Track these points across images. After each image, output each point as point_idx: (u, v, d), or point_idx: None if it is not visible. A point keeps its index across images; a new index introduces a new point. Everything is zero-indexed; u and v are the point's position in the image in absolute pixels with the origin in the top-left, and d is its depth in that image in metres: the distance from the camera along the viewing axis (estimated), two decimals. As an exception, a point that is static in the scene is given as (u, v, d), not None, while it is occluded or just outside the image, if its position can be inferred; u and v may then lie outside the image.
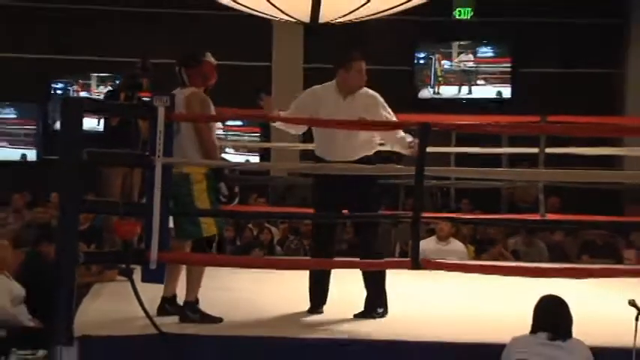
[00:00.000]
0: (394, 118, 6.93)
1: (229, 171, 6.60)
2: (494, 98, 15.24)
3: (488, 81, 15.43)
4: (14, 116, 14.73)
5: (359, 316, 6.69)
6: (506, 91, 15.28)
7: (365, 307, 6.76)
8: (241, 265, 7.89)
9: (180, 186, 6.31)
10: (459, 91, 15.43)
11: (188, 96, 6.42)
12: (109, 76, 14.50)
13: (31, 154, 14.63)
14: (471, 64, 15.46)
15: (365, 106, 6.81)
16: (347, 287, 6.98)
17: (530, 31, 15.25)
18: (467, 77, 15.43)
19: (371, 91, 6.91)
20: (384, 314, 6.74)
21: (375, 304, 6.76)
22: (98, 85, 14.66)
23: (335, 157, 6.75)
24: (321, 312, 6.82)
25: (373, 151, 6.87)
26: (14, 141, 14.72)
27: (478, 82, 15.44)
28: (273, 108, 6.78)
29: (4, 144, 14.67)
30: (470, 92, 15.44)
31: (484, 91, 15.42)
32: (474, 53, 15.51)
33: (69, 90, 14.59)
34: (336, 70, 6.88)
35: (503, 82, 15.38)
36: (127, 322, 6.27)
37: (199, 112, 6.44)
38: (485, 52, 15.47)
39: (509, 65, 15.36)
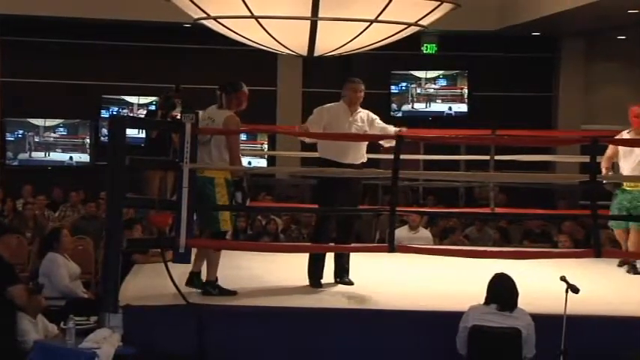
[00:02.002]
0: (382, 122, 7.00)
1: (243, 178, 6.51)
2: (451, 114, 15.19)
3: (448, 101, 15.36)
4: (66, 132, 14.72)
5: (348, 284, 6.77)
6: (462, 108, 15.22)
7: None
8: (252, 249, 7.85)
9: (205, 187, 6.25)
10: (426, 108, 15.35)
11: (227, 118, 6.35)
12: (149, 99, 14.47)
13: (77, 158, 14.60)
14: (434, 88, 15.39)
15: (367, 120, 6.95)
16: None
17: (482, 62, 15.20)
18: (431, 98, 15.37)
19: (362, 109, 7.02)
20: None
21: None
22: (139, 107, 14.59)
23: (347, 160, 6.75)
24: (321, 285, 6.76)
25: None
26: (66, 149, 14.73)
27: (440, 102, 15.37)
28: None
29: (58, 150, 14.68)
30: (432, 110, 15.36)
31: (444, 108, 15.34)
32: (437, 79, 15.44)
33: (117, 110, 14.53)
34: (345, 92, 6.95)
35: (460, 102, 15.32)
36: (160, 295, 6.23)
37: (234, 129, 6.39)
38: (446, 78, 15.41)
39: (465, 89, 15.31)
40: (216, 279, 6.35)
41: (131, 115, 13.78)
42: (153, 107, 12.78)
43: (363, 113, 6.97)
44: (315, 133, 6.78)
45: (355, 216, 6.90)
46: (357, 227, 6.97)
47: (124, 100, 14.70)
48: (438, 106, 15.31)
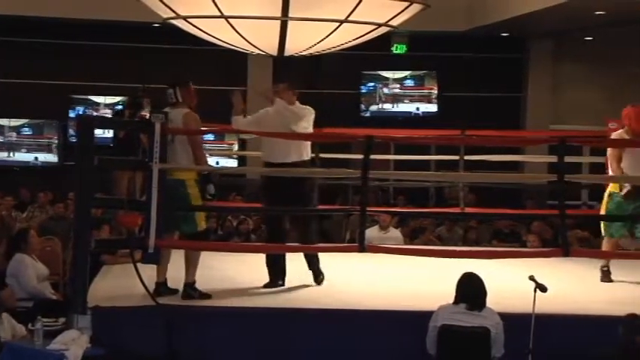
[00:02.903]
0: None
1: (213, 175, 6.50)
2: (419, 114, 15.22)
3: (416, 102, 15.40)
4: (31, 131, 14.58)
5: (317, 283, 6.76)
6: (429, 109, 15.27)
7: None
8: (223, 250, 7.83)
9: (177, 190, 6.22)
10: (394, 108, 15.37)
11: (185, 115, 6.31)
12: (116, 99, 14.37)
13: (42, 158, 14.46)
14: (402, 88, 15.42)
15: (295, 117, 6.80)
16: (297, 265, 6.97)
17: (452, 63, 15.28)
18: (399, 99, 15.40)
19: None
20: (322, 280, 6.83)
21: (318, 273, 6.82)
22: (105, 107, 14.47)
23: (276, 160, 6.71)
24: (282, 285, 6.77)
25: (307, 156, 6.79)
26: (31, 149, 14.58)
27: (408, 102, 15.40)
28: (241, 102, 6.72)
29: (23, 150, 14.53)
30: (400, 110, 15.40)
31: (412, 108, 15.37)
32: (405, 80, 15.48)
33: (83, 110, 14.39)
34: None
35: (427, 102, 15.37)
36: (129, 295, 6.20)
37: (195, 129, 6.37)
38: (414, 78, 15.45)
39: (434, 90, 15.37)
40: (194, 281, 6.34)
41: (96, 115, 13.69)
42: (120, 107, 12.71)
43: (293, 107, 6.80)
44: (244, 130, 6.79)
45: (300, 216, 6.81)
46: (315, 227, 6.91)
47: (90, 100, 14.59)
48: (406, 107, 15.34)
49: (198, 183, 6.30)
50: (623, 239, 10.24)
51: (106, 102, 14.54)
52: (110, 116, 12.53)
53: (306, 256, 6.90)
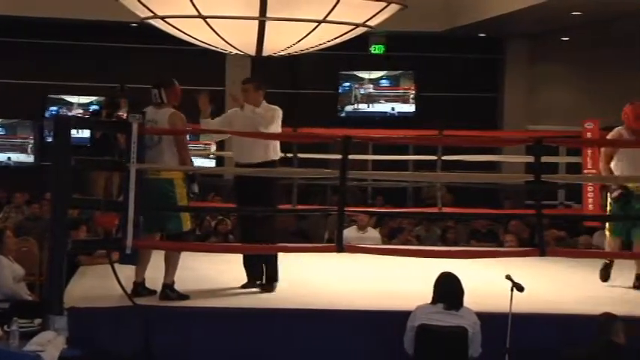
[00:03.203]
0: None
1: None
2: (394, 114, 15.25)
3: (391, 102, 15.43)
4: (4, 131, 14.45)
5: (262, 288, 6.63)
6: (404, 109, 15.30)
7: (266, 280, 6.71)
8: (201, 250, 7.80)
9: (165, 189, 6.21)
10: (368, 108, 15.41)
11: (171, 116, 6.29)
12: (89, 98, 14.32)
13: (15, 158, 14.34)
14: (377, 88, 15.45)
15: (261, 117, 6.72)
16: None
17: (429, 63, 15.33)
18: (377, 99, 15.44)
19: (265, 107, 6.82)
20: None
21: (273, 278, 6.72)
22: (80, 106, 14.38)
23: (242, 160, 6.68)
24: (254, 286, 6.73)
25: (274, 157, 6.73)
26: (4, 149, 14.45)
27: (384, 102, 15.44)
28: (207, 104, 6.68)
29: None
30: (376, 110, 15.44)
31: (387, 108, 15.40)
32: (382, 80, 15.51)
33: (60, 110, 14.30)
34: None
35: (402, 102, 15.42)
36: (106, 296, 6.17)
37: (182, 129, 6.34)
38: (389, 79, 15.49)
39: (410, 90, 15.41)
40: (173, 282, 6.32)
41: (76, 115, 13.61)
42: (94, 107, 12.68)
43: (260, 110, 6.72)
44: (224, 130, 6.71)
45: (261, 217, 6.74)
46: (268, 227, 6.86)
47: (64, 99, 14.50)
48: (382, 107, 15.38)
49: (185, 182, 6.29)
50: (599, 237, 10.36)
51: (79, 102, 14.45)
52: (87, 116, 12.47)
53: (262, 257, 6.79)
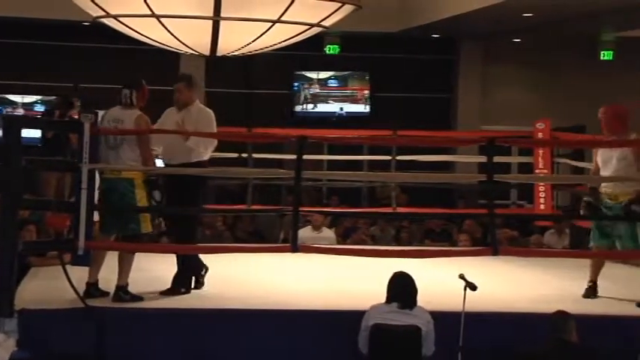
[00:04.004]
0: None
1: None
2: (342, 114, 15.29)
3: (342, 102, 15.47)
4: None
5: (165, 293, 6.48)
6: (353, 109, 15.35)
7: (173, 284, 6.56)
8: (155, 251, 7.72)
9: (125, 189, 6.14)
10: (314, 109, 15.44)
11: (138, 117, 6.25)
12: (38, 98, 14.12)
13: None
14: (327, 88, 15.49)
15: (194, 118, 6.64)
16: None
17: (384, 64, 15.39)
18: (334, 99, 15.46)
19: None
20: (186, 293, 6.54)
21: (182, 283, 6.56)
22: (24, 105, 14.14)
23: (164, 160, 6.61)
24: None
25: (198, 158, 6.60)
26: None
27: (335, 102, 15.48)
28: None
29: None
30: (342, 111, 15.47)
31: (338, 109, 15.44)
32: (331, 80, 15.54)
33: (3, 109, 14.06)
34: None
35: (363, 103, 15.46)
36: (58, 298, 6.09)
37: (143, 129, 6.26)
38: (342, 79, 15.53)
39: (361, 90, 15.47)
40: (127, 284, 6.26)
41: (27, 114, 13.42)
42: (39, 107, 12.51)
43: (192, 112, 6.66)
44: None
45: (184, 216, 6.65)
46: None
47: (7, 99, 14.26)
48: (330, 107, 15.42)
49: (145, 184, 6.23)
50: (550, 236, 10.49)
51: (23, 101, 14.23)
52: (39, 116, 12.30)
53: (178, 257, 6.67)
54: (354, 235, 10.67)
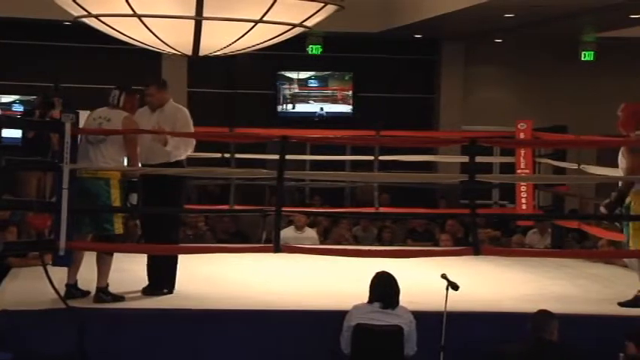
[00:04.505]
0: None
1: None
2: (322, 114, 15.29)
3: (325, 102, 15.49)
4: None
5: (146, 291, 6.44)
6: (334, 109, 15.36)
7: (151, 282, 6.53)
8: (134, 252, 7.69)
9: (102, 188, 6.11)
10: (312, 109, 15.45)
11: (126, 117, 6.23)
12: (16, 97, 14.03)
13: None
14: (306, 88, 15.51)
15: (170, 119, 6.59)
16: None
17: (366, 64, 15.41)
18: (314, 99, 15.48)
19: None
20: (169, 293, 6.50)
21: (163, 284, 6.52)
22: (4, 105, 14.04)
23: (141, 161, 6.52)
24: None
25: (177, 158, 6.56)
26: None
27: (317, 103, 15.49)
28: None
29: None
30: (322, 111, 15.48)
31: (318, 109, 15.46)
32: (323, 80, 15.56)
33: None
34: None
35: (343, 103, 15.48)
36: (39, 299, 6.05)
37: (128, 129, 6.22)
38: (329, 79, 15.54)
39: (347, 91, 15.49)
40: (107, 285, 6.22)
41: (6, 114, 13.31)
42: (17, 106, 12.42)
43: (167, 111, 6.62)
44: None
45: (158, 217, 6.60)
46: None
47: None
48: (310, 107, 15.43)
49: (122, 185, 6.19)
50: (532, 236, 10.53)
51: (1, 100, 14.14)
52: (19, 115, 12.22)
53: (149, 258, 6.64)
54: (334, 232, 10.64)
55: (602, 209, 6.51)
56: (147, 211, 6.57)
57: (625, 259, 8.00)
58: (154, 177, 6.40)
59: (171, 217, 6.76)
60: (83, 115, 6.29)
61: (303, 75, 15.43)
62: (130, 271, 7.11)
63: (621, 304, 6.45)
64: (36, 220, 6.04)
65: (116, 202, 6.19)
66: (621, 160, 6.46)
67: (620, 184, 6.47)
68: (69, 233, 5.85)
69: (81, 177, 6.09)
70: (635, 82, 15.17)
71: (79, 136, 6.10)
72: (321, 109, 15.38)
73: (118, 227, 6.24)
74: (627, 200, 6.39)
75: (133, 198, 6.23)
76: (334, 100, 15.46)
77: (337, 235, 10.57)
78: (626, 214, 6.40)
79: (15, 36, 14.01)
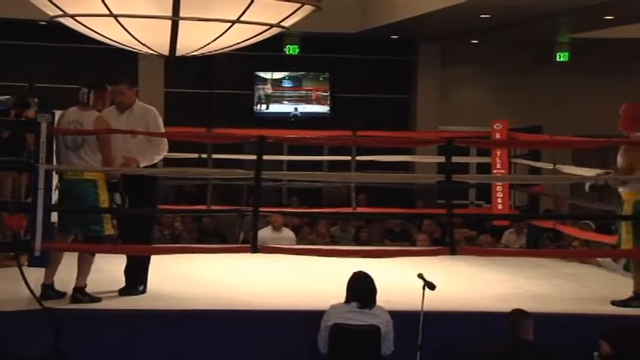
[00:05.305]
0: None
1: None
2: (297, 115, 15.29)
3: (300, 102, 15.50)
4: None
5: (122, 292, 6.43)
6: (312, 109, 15.38)
7: (128, 283, 6.50)
8: (113, 252, 7.66)
9: (88, 189, 6.08)
10: (286, 109, 15.45)
11: (97, 118, 6.16)
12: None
13: None
14: (290, 89, 15.50)
15: (142, 119, 6.55)
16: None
17: (344, 64, 15.43)
18: (288, 99, 15.49)
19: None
20: (143, 291, 6.49)
21: (138, 281, 6.51)
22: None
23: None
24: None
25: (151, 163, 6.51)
26: None
27: (301, 104, 15.50)
28: None
29: None
30: (296, 111, 15.49)
31: (295, 109, 15.47)
32: (297, 80, 15.57)
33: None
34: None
35: (322, 104, 15.48)
36: (14, 299, 6.01)
37: (104, 129, 6.17)
38: (303, 79, 15.55)
39: (321, 91, 15.50)
40: (85, 285, 6.19)
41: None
42: (4, 107, 12.27)
43: (136, 113, 6.56)
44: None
45: (134, 217, 6.55)
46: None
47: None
48: (284, 107, 15.44)
49: (107, 185, 6.17)
50: (509, 236, 10.59)
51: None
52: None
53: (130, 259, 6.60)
54: (303, 232, 10.64)
55: (587, 187, 6.52)
56: (135, 212, 6.51)
57: (599, 259, 8.08)
58: (130, 177, 6.38)
59: (147, 217, 6.74)
60: (58, 115, 6.26)
61: (277, 75, 15.43)
62: (107, 271, 7.07)
63: (614, 303, 6.47)
64: (11, 221, 6.01)
65: (104, 204, 6.16)
66: (619, 159, 6.46)
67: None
68: (45, 234, 5.81)
69: (68, 179, 6.07)
70: (609, 82, 15.31)
71: (58, 142, 6.08)
72: (296, 109, 15.41)
73: (108, 228, 6.20)
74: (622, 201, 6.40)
75: (117, 198, 6.21)
76: (308, 101, 15.48)
77: (305, 233, 10.56)
78: (599, 215, 6.45)
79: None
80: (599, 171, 6.82)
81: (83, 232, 6.23)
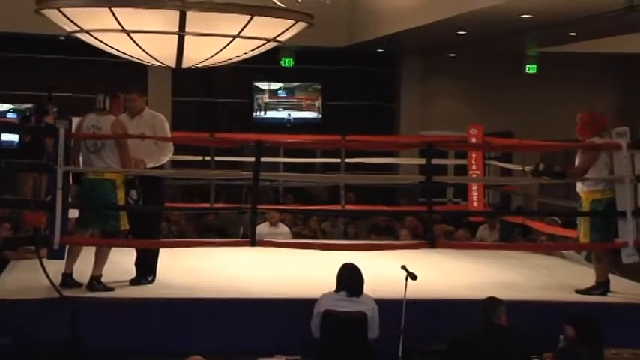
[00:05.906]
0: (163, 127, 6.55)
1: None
2: (290, 120, 15.30)
3: (300, 110, 15.53)
4: None
5: (133, 282, 6.41)
6: (303, 115, 15.41)
7: (138, 274, 6.48)
8: (127, 246, 7.65)
9: (107, 188, 6.07)
10: (280, 115, 15.49)
11: (114, 122, 6.16)
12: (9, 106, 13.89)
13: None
14: (285, 98, 15.54)
15: (150, 124, 6.51)
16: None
17: (334, 75, 15.43)
18: (283, 107, 15.53)
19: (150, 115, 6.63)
20: (152, 281, 6.49)
21: (148, 272, 6.50)
22: (5, 113, 13.88)
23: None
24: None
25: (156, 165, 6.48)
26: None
27: (293, 110, 15.52)
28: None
29: None
30: (290, 117, 15.52)
31: (303, 116, 15.49)
32: (295, 90, 15.59)
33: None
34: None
35: (310, 110, 15.53)
36: (35, 288, 6.00)
37: (120, 133, 6.15)
38: (296, 89, 15.58)
39: (312, 100, 15.53)
40: (101, 275, 6.17)
41: (5, 120, 13.19)
42: (11, 114, 12.31)
43: (145, 118, 6.54)
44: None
45: (144, 214, 6.47)
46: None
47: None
48: (280, 114, 15.49)
49: (124, 186, 6.16)
50: (483, 231, 10.61)
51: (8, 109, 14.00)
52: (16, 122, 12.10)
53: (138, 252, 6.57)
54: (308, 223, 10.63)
55: (530, 174, 6.51)
56: (149, 210, 6.48)
57: (564, 252, 8.10)
58: (142, 177, 6.36)
59: (155, 214, 6.73)
60: (75, 122, 6.24)
61: (274, 86, 15.54)
62: (118, 263, 7.05)
63: (578, 291, 6.48)
64: (31, 218, 6.02)
65: (121, 202, 6.16)
66: (577, 161, 6.48)
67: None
68: (63, 229, 5.80)
69: (89, 179, 6.08)
70: (573, 92, 15.37)
71: (81, 146, 6.09)
72: (289, 115, 15.49)
73: (124, 224, 6.20)
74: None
75: (134, 194, 6.20)
76: (299, 108, 15.57)
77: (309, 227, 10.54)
78: (564, 212, 6.46)
79: (9, 49, 13.86)
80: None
81: (102, 227, 6.23)
